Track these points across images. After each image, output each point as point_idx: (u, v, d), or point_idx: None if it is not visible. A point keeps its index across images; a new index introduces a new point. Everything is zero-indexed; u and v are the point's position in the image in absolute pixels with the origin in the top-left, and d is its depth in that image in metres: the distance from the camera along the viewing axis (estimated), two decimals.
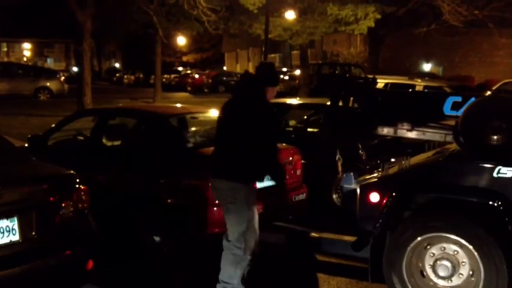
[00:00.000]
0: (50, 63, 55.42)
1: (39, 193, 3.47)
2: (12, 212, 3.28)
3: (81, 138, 6.51)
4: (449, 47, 30.49)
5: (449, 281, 3.92)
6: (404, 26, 23.32)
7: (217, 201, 4.47)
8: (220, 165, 4.15)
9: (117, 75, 49.14)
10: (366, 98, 5.05)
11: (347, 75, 10.30)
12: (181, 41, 38.92)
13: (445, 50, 31.20)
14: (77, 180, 3.71)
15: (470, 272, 3.85)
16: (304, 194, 5.83)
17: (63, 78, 23.99)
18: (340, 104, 5.39)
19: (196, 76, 37.31)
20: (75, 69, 49.55)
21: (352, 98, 5.25)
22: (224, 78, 35.86)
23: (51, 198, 3.50)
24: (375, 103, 5.01)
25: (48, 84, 22.99)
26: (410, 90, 7.94)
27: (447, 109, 4.72)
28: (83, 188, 3.73)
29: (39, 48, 58.03)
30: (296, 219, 5.63)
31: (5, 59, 49.78)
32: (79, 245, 3.63)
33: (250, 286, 4.18)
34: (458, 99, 4.67)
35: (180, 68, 46.35)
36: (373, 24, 20.05)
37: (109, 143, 6.17)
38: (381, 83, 9.21)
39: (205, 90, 34.05)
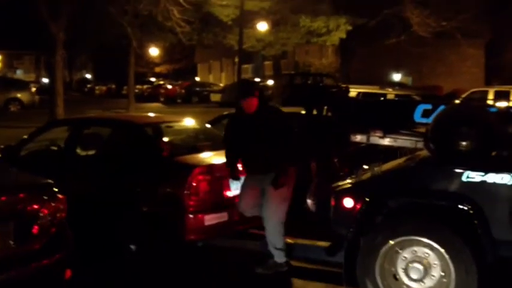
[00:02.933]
0: (19, 74, 54.73)
1: (18, 202, 3.47)
2: None
3: (55, 148, 6.49)
4: (418, 57, 31.13)
5: (422, 283, 4.02)
6: (374, 37, 23.80)
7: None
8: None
9: (89, 86, 48.84)
10: (340, 106, 5.18)
11: (321, 84, 10.49)
12: (153, 51, 38.94)
13: (414, 60, 31.86)
14: (55, 189, 3.72)
15: (442, 273, 3.96)
16: None
17: (34, 89, 23.75)
18: (314, 112, 5.53)
19: (169, 87, 37.33)
20: (45, 80, 49.02)
21: (326, 107, 5.39)
22: (197, 89, 35.97)
23: (30, 207, 3.50)
24: (348, 111, 5.15)
25: (19, 95, 22.76)
26: (382, 98, 8.15)
27: (418, 117, 4.89)
28: (61, 197, 3.74)
29: (9, 60, 57.39)
30: None
31: None
32: (57, 254, 3.63)
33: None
34: (428, 107, 4.84)
35: (153, 79, 46.28)
36: (344, 36, 20.43)
37: (84, 153, 6.16)
38: (353, 92, 9.43)
39: (178, 101, 34.06)
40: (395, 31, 23.18)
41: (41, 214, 3.55)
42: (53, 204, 3.65)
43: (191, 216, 5.03)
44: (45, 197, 3.64)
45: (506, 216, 3.84)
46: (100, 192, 5.47)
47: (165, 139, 5.76)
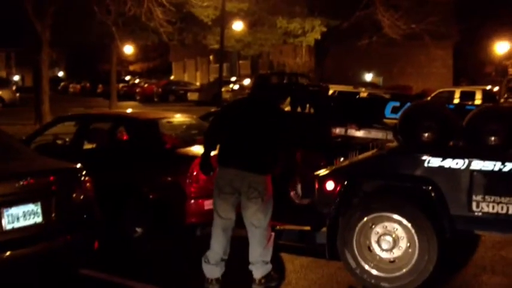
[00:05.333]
0: None
1: (56, 182, 4.13)
2: (37, 198, 3.93)
3: (60, 142, 7.07)
4: (389, 58, 32.20)
5: (392, 253, 4.71)
6: (347, 39, 24.66)
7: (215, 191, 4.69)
8: (259, 162, 4.56)
9: (62, 84, 48.54)
10: (321, 103, 5.93)
11: (305, 84, 11.23)
12: (128, 50, 39.04)
13: (385, 61, 32.93)
14: (84, 173, 4.39)
15: (408, 244, 4.65)
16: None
17: (14, 87, 23.88)
18: (298, 109, 6.27)
19: (146, 85, 37.46)
20: (15, 78, 48.49)
21: (308, 104, 6.13)
22: (173, 88, 36.08)
23: (66, 187, 4.16)
24: (328, 108, 5.90)
25: (0, 93, 22.87)
26: (357, 97, 8.95)
27: (388, 112, 5.68)
28: (89, 179, 4.40)
29: None
30: None
31: None
32: (88, 228, 4.29)
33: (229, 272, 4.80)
34: (397, 103, 5.64)
35: (127, 77, 46.26)
36: (319, 37, 21.23)
37: (91, 145, 6.76)
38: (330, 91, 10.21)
39: (155, 100, 34.21)
40: (367, 32, 24.10)
41: (75, 193, 4.22)
42: (83, 185, 4.32)
43: (192, 201, 5.65)
44: (77, 179, 4.30)
45: (460, 195, 4.60)
46: (108, 182, 5.95)
47: (167, 133, 6.41)
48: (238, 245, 4.84)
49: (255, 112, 4.65)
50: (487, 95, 18.91)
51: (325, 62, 27.97)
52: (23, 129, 9.55)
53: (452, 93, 19.98)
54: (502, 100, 15.82)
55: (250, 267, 4.69)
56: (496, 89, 23.79)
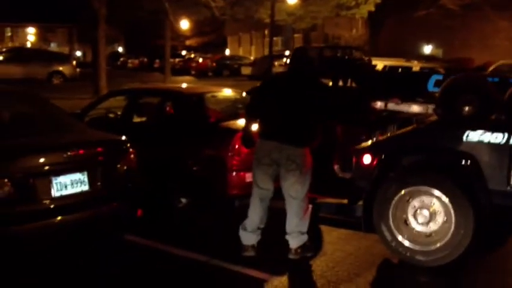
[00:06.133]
0: (53, 47, 55.85)
1: (102, 153, 4.39)
2: (83, 167, 4.20)
3: (112, 115, 7.38)
4: (449, 30, 31.06)
5: (428, 227, 4.74)
6: (403, 10, 24.00)
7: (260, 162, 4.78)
8: (297, 135, 4.65)
9: (121, 59, 49.77)
10: (363, 77, 5.92)
11: (346, 58, 11.13)
12: (184, 25, 39.43)
13: (445, 33, 31.77)
14: (129, 145, 4.62)
15: (444, 219, 4.66)
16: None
17: (75, 62, 24.74)
18: (340, 83, 6.29)
19: (200, 60, 37.88)
20: (78, 53, 50.08)
21: (350, 78, 6.14)
22: (228, 62, 36.29)
23: (111, 158, 4.42)
24: (370, 82, 5.89)
25: (61, 68, 23.75)
26: (399, 70, 8.81)
27: (431, 86, 5.61)
28: (132, 150, 4.64)
29: (42, 33, 58.33)
30: None
31: (9, 44, 50.28)
32: (131, 196, 4.55)
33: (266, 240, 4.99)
34: (440, 77, 5.56)
35: (183, 52, 46.86)
36: (373, 9, 20.79)
37: (139, 119, 7.04)
38: (379, 65, 10.06)
39: (209, 74, 34.56)
40: (425, 3, 23.36)
41: (119, 163, 4.47)
42: (127, 156, 4.56)
43: (234, 174, 5.84)
44: (122, 150, 4.55)
45: (498, 170, 4.55)
46: (156, 154, 6.23)
47: (211, 107, 6.59)
48: (277, 216, 4.96)
49: (293, 85, 4.72)
50: None
51: (380, 34, 27.38)
52: (81, 103, 9.95)
53: None
54: None
55: (287, 237, 4.83)
56: None
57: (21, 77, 22.22)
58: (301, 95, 4.67)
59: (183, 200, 6.17)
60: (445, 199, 4.65)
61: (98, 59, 16.28)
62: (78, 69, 24.31)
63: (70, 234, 4.17)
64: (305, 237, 4.83)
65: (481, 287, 4.40)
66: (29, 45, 51.12)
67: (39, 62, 23.75)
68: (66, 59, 25.17)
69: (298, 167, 4.65)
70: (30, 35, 57.52)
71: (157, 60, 40.36)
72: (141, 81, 24.60)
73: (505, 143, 4.51)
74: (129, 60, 47.71)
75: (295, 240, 4.79)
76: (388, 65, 12.51)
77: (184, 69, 36.82)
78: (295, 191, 4.73)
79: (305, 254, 4.83)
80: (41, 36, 57.93)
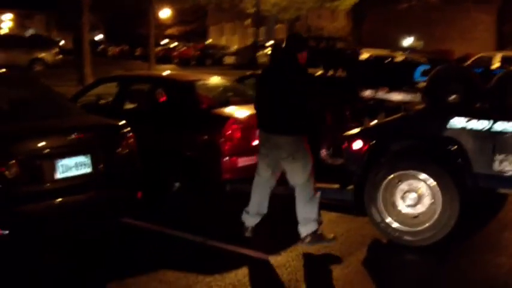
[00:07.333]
0: (31, 34, 55.05)
1: (104, 137, 4.52)
2: (87, 150, 4.33)
3: (103, 101, 7.45)
4: (430, 22, 31.50)
5: (415, 209, 4.97)
6: (385, 3, 24.30)
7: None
8: (280, 124, 4.76)
9: (101, 47, 49.30)
10: (353, 67, 6.13)
11: (337, 48, 11.34)
12: (165, 13, 39.05)
13: (426, 25, 32.21)
14: (129, 129, 4.75)
15: (431, 201, 4.89)
16: None
17: (57, 49, 24.47)
18: (330, 72, 6.49)
19: (183, 49, 37.72)
20: (62, 42, 49.48)
21: (341, 68, 6.34)
22: (211, 51, 36.17)
23: (113, 141, 4.55)
24: (359, 71, 6.10)
25: (43, 55, 23.51)
26: (387, 60, 9.07)
27: (417, 76, 5.84)
28: (132, 135, 4.77)
29: (19, 20, 57.38)
30: None
31: None
32: (132, 178, 4.68)
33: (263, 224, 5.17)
34: (427, 67, 5.79)
35: (165, 41, 46.59)
36: (356, 1, 21.00)
37: (131, 106, 7.13)
38: (365, 55, 10.32)
39: (192, 63, 34.45)
40: None
41: (120, 147, 4.60)
42: (127, 140, 4.69)
43: (227, 158, 6.00)
44: (122, 134, 4.68)
45: (482, 154, 4.79)
46: (148, 140, 6.29)
47: (203, 94, 6.71)
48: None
49: (271, 77, 4.87)
50: None
51: (363, 26, 27.67)
52: (67, 90, 10.02)
53: (493, 58, 19.64)
54: None
55: (298, 226, 4.91)
56: None
57: (2, 64, 21.92)
58: (279, 85, 4.76)
59: (177, 184, 6.31)
60: (432, 182, 4.88)
61: (82, 46, 16.23)
62: (60, 56, 24.04)
63: (74, 214, 4.30)
64: (313, 226, 4.81)
65: (469, 267, 4.64)
66: (6, 31, 50.24)
67: (21, 49, 23.45)
68: (49, 45, 24.82)
69: (289, 155, 4.77)
70: (8, 21, 56.57)
71: (138, 48, 40.10)
72: (124, 68, 24.49)
73: (488, 129, 4.75)
74: (109, 48, 47.29)
75: (303, 228, 4.84)
76: (374, 55, 12.80)
77: (166, 57, 36.57)
78: (292, 178, 4.88)
79: (316, 243, 4.81)
80: (18, 22, 57.01)
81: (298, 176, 4.85)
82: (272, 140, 4.80)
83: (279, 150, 4.80)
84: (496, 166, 4.73)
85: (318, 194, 4.89)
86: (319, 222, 4.87)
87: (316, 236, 4.83)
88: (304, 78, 4.83)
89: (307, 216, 4.83)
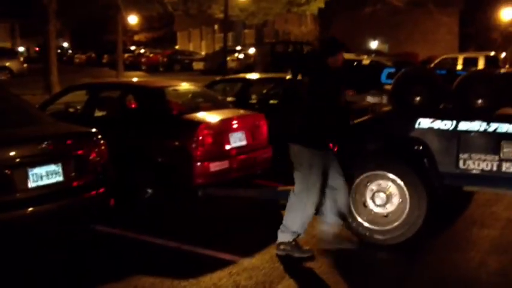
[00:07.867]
0: None
1: (75, 145, 4.50)
2: (58, 159, 4.31)
3: (72, 110, 7.41)
4: (395, 25, 32.10)
5: (385, 208, 5.11)
6: (351, 7, 24.66)
7: None
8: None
9: (68, 54, 48.68)
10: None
11: (305, 53, 11.47)
12: (133, 20, 38.91)
13: (391, 28, 32.81)
14: (100, 136, 4.75)
15: (400, 200, 5.04)
16: (269, 153, 6.98)
17: (22, 58, 24.13)
18: (299, 77, 6.56)
19: (151, 55, 37.57)
20: (20, 49, 48.71)
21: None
22: (179, 57, 36.12)
23: (84, 149, 4.54)
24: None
25: (8, 64, 23.12)
26: (355, 63, 9.24)
27: (384, 78, 5.98)
28: (104, 142, 4.77)
29: None
30: (263, 173, 6.81)
31: None
32: (104, 187, 4.68)
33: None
34: (392, 70, 5.93)
35: (132, 47, 46.32)
36: (323, 5, 21.28)
37: (101, 113, 7.10)
38: None
39: (161, 69, 34.37)
40: (371, 1, 24.10)
41: (92, 155, 4.59)
42: (99, 148, 4.69)
43: (198, 164, 6.03)
44: (94, 142, 4.67)
45: (448, 154, 4.95)
46: (120, 147, 6.25)
47: (173, 100, 6.74)
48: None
49: None
50: (489, 61, 19.04)
51: (330, 30, 28.02)
52: (33, 99, 9.88)
53: (456, 59, 20.16)
54: (507, 67, 15.89)
55: None
56: (503, 55, 23.89)
57: None
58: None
59: (149, 191, 6.31)
60: (400, 182, 5.03)
61: (48, 54, 16.01)
62: (25, 65, 23.70)
63: (46, 223, 4.27)
64: (289, 237, 4.80)
65: (438, 264, 4.78)
66: None
67: None
68: (13, 54, 24.48)
69: (293, 163, 4.84)
70: None
71: (105, 56, 39.75)
72: (92, 76, 24.29)
73: (453, 129, 4.91)
74: (76, 56, 46.77)
75: (280, 234, 4.86)
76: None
77: (134, 64, 36.37)
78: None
79: (288, 253, 4.79)
80: None
81: (296, 184, 4.84)
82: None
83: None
84: (461, 165, 4.89)
85: (311, 212, 4.83)
86: (297, 235, 4.84)
87: (290, 246, 4.83)
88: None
89: (287, 224, 4.84)
